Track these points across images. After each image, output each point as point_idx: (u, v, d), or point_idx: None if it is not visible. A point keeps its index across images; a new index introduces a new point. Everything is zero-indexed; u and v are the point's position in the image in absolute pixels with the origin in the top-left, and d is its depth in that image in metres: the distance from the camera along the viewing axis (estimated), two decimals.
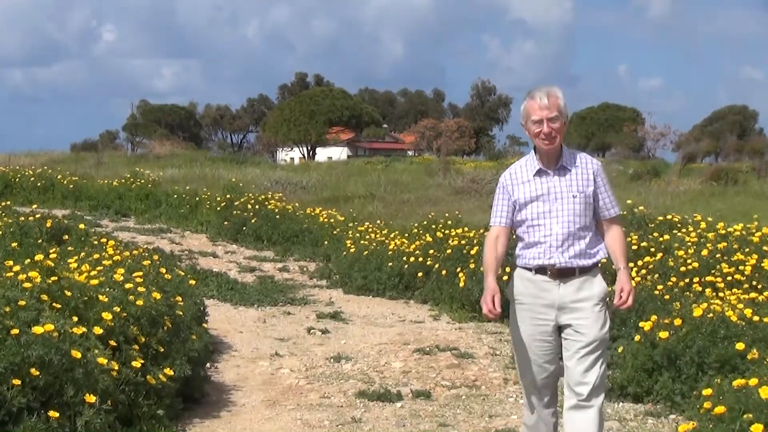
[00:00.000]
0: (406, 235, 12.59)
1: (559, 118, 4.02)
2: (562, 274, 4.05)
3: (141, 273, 6.72)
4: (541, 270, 4.08)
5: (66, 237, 9.96)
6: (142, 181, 22.36)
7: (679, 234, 9.46)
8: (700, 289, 7.50)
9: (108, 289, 5.71)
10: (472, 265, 9.90)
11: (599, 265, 4.14)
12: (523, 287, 4.14)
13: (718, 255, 8.13)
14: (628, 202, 11.16)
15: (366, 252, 11.95)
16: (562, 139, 4.08)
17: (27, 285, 4.98)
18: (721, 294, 7.31)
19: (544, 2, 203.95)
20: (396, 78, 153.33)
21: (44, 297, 4.94)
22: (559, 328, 4.09)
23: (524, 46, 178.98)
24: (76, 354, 4.42)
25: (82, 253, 7.68)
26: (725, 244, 8.48)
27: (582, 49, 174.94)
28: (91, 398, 4.33)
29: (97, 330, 4.89)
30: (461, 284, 9.79)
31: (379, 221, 15.23)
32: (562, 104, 4.05)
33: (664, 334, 6.03)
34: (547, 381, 4.21)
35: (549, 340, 4.11)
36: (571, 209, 4.04)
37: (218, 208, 18.03)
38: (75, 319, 4.89)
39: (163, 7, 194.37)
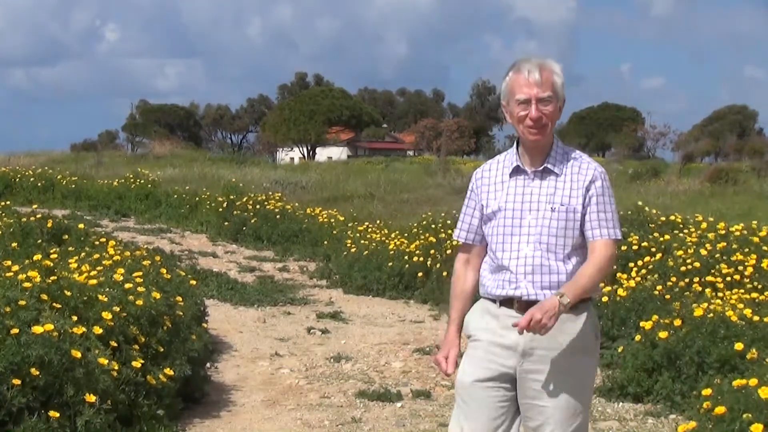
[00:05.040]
0: (406, 235, 12.60)
1: (552, 99, 3.05)
2: None
3: (140, 273, 6.72)
4: (506, 302, 3.11)
5: (66, 237, 9.95)
6: (142, 181, 22.36)
7: (679, 234, 9.46)
8: (700, 289, 7.51)
9: (107, 288, 5.71)
10: None
11: (588, 302, 3.13)
12: (483, 321, 3.17)
13: (717, 255, 8.13)
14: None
15: (366, 252, 11.95)
16: (553, 130, 3.14)
17: (27, 285, 4.98)
18: (721, 294, 7.32)
19: (547, 1, 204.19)
20: (397, 78, 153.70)
21: (44, 297, 4.94)
22: (516, 382, 3.11)
23: (527, 45, 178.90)
24: (76, 354, 4.42)
25: (83, 253, 7.68)
26: (725, 244, 8.49)
27: (585, 49, 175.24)
28: (91, 398, 4.33)
29: (97, 330, 4.89)
30: None
31: (378, 221, 15.23)
32: (559, 82, 3.07)
33: (664, 334, 6.04)
34: None
35: (505, 387, 3.12)
36: (546, 225, 3.06)
37: (218, 209, 18.02)
38: (75, 318, 4.88)
39: (164, 7, 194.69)
